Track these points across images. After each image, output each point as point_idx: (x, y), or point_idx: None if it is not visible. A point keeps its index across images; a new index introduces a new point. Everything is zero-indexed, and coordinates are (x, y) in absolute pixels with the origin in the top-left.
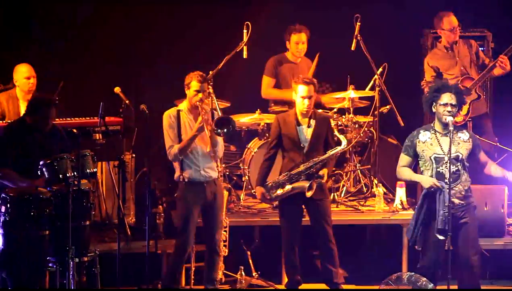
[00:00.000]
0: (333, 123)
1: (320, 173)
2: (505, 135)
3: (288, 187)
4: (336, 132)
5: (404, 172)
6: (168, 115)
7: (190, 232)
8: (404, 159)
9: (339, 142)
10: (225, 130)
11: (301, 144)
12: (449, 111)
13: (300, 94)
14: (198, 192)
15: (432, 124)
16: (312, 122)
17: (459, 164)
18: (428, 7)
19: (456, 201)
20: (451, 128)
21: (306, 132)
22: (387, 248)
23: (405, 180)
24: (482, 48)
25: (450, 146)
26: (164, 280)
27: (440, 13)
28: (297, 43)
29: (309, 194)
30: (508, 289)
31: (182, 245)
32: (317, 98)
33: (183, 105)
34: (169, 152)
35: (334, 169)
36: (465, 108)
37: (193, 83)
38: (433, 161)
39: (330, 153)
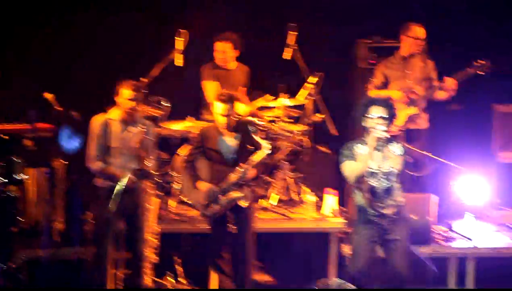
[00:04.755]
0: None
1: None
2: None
3: (223, 201)
4: (257, 137)
5: (352, 166)
6: (96, 122)
7: (107, 239)
8: (351, 163)
9: (259, 147)
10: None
11: (226, 156)
12: (379, 125)
13: (217, 111)
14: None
15: (363, 138)
16: (237, 133)
17: (392, 179)
18: (361, 17)
19: (387, 215)
20: (378, 135)
21: (231, 143)
22: (315, 255)
23: (358, 173)
24: None
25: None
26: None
27: (409, 22)
28: (217, 51)
29: (244, 204)
30: None
31: (100, 252)
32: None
33: (113, 114)
34: (91, 163)
35: (263, 176)
36: (401, 119)
37: (125, 91)
38: (368, 175)
39: (253, 158)
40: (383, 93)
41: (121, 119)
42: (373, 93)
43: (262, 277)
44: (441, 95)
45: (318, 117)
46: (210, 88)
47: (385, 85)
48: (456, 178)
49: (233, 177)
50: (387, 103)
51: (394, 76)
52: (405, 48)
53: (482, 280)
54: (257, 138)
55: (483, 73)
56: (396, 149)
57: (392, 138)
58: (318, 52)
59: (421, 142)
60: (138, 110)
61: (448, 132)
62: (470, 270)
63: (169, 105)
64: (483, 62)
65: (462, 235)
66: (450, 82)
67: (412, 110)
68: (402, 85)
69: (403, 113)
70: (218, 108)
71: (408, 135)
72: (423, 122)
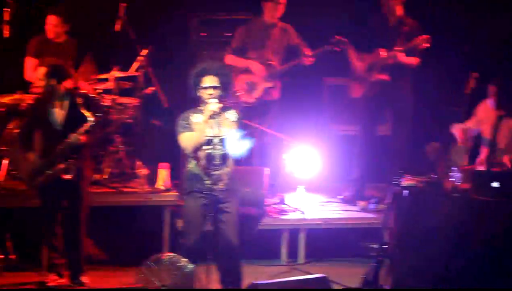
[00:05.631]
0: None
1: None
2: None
3: (48, 173)
4: (83, 109)
5: (189, 137)
6: None
7: None
8: (188, 134)
9: (85, 119)
10: None
11: (55, 127)
12: (210, 94)
13: (40, 77)
14: None
15: (199, 108)
16: (65, 103)
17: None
18: None
19: (221, 183)
20: (213, 108)
21: (59, 114)
22: (149, 229)
23: (195, 143)
24: None
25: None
26: None
27: None
28: (48, 24)
29: (68, 176)
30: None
31: None
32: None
33: None
34: None
35: (95, 149)
36: (258, 92)
37: None
38: (205, 143)
39: (79, 131)
40: (241, 63)
41: None
42: (230, 58)
43: (95, 253)
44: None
45: (150, 89)
46: (30, 65)
47: (243, 50)
48: (288, 150)
49: (60, 148)
50: (219, 72)
51: (253, 44)
52: (267, 14)
53: (313, 251)
54: (83, 110)
55: (339, 49)
56: (231, 115)
57: (227, 106)
58: (150, 24)
59: (273, 113)
60: None
61: (282, 105)
62: (301, 241)
63: None
64: (340, 38)
65: (294, 207)
66: (308, 60)
67: (269, 84)
68: (260, 55)
69: (261, 86)
70: (40, 74)
71: (261, 107)
72: (276, 93)
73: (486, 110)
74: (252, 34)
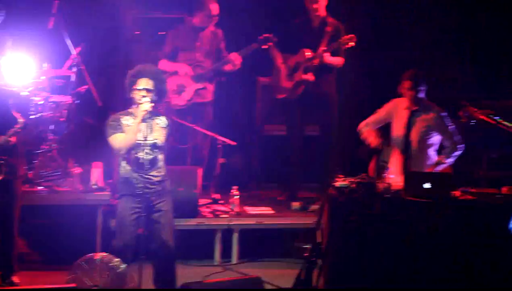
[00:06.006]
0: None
1: None
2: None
3: None
4: (13, 110)
5: (121, 138)
6: None
7: None
8: (120, 135)
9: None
10: None
11: None
12: (143, 96)
13: None
14: None
15: (130, 110)
16: None
17: (156, 150)
18: None
19: (152, 186)
20: (146, 108)
21: None
22: (81, 228)
23: (127, 144)
24: None
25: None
26: None
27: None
28: None
29: None
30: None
31: None
32: None
33: None
34: None
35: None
36: (189, 94)
37: None
38: (134, 147)
39: (8, 133)
40: (171, 67)
41: None
42: (163, 63)
43: (27, 253)
44: (227, 67)
45: (83, 88)
46: None
47: (175, 53)
48: (223, 150)
49: None
50: (154, 76)
51: (183, 46)
52: (197, 21)
53: (246, 251)
54: (13, 111)
55: (267, 47)
56: (161, 121)
57: (158, 111)
58: (84, 22)
59: (206, 115)
60: None
61: (215, 105)
62: (234, 241)
63: None
64: (267, 36)
65: (228, 208)
66: (235, 57)
67: (199, 85)
68: (190, 57)
69: (191, 88)
70: None
71: (194, 109)
72: (208, 95)
73: (398, 105)
74: (182, 36)
